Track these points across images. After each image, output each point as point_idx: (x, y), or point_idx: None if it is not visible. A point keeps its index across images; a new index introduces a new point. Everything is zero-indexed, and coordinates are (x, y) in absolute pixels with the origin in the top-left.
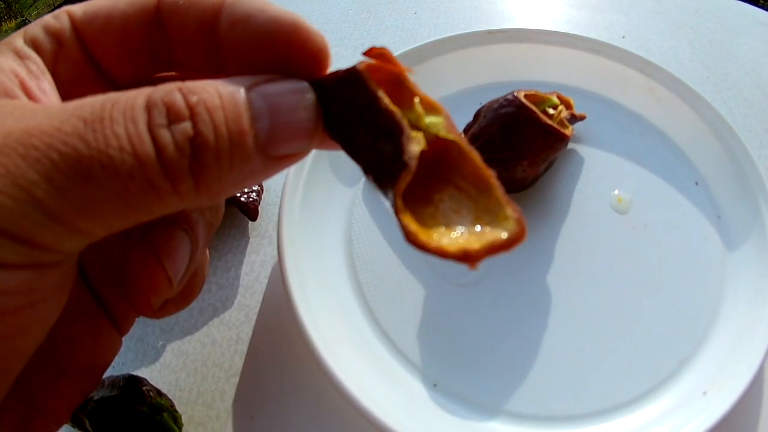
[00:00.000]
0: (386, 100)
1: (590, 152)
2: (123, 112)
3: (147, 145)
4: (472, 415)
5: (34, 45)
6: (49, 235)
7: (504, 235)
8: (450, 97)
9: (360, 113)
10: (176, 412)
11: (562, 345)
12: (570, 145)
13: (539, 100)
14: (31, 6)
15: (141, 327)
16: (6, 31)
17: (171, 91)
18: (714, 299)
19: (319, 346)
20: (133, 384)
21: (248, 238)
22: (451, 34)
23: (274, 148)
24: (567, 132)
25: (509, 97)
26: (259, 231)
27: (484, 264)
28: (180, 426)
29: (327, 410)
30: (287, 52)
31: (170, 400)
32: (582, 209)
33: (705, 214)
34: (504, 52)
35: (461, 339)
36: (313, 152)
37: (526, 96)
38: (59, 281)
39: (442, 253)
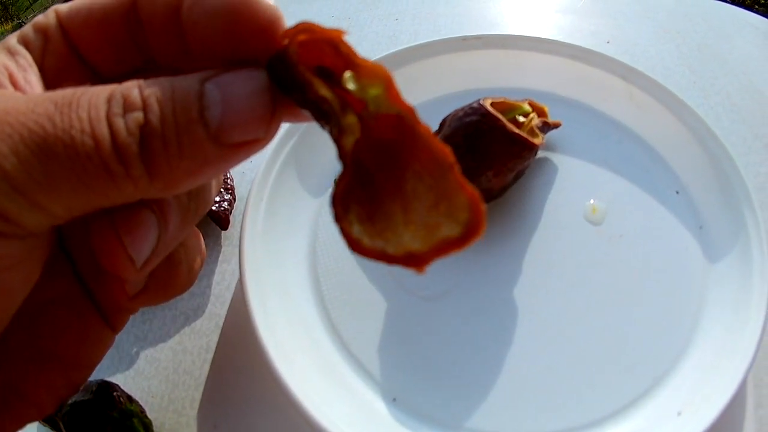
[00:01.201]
0: (318, 87)
1: (565, 160)
2: (89, 100)
3: (104, 130)
4: (431, 430)
5: (24, 41)
6: (11, 206)
7: (455, 230)
8: (425, 105)
9: (300, 97)
10: (146, 418)
11: (529, 361)
12: (543, 154)
13: (509, 108)
14: (27, 8)
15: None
16: (2, 33)
17: (130, 87)
18: (693, 314)
19: (275, 359)
20: (105, 389)
21: (221, 246)
22: (426, 41)
23: (228, 136)
24: (536, 141)
25: (474, 105)
26: (231, 240)
27: (450, 276)
28: None
29: (286, 422)
30: (240, 27)
31: (141, 406)
32: (554, 220)
33: (686, 225)
34: (480, 59)
35: (424, 353)
36: (280, 161)
37: (494, 104)
38: (22, 255)
39: (386, 259)
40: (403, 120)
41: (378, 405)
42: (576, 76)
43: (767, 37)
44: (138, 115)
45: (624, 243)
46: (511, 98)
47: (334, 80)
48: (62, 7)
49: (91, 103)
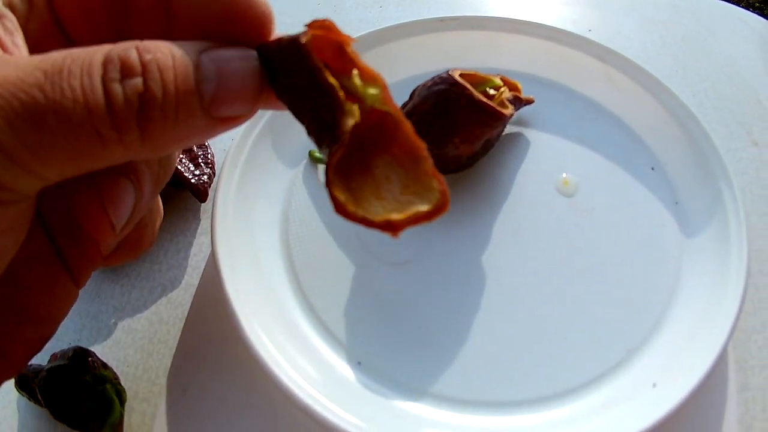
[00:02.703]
0: (327, 75)
1: (539, 136)
2: (81, 66)
3: (99, 97)
4: (396, 395)
5: (11, 5)
6: (7, 175)
7: (426, 207)
8: (402, 82)
9: (302, 82)
10: (119, 385)
11: (497, 329)
12: (517, 129)
13: (480, 81)
14: None
15: (96, 305)
16: None
17: (128, 48)
18: (669, 287)
19: (243, 322)
20: (81, 355)
21: (199, 220)
22: (403, 22)
23: (217, 109)
24: (505, 111)
25: (443, 75)
26: (209, 214)
27: (419, 244)
28: (123, 400)
29: (254, 386)
30: (232, 17)
31: (115, 372)
32: (524, 191)
33: (661, 200)
34: (457, 40)
35: (390, 319)
36: (256, 132)
37: (463, 75)
38: (15, 218)
39: (367, 223)
40: (392, 116)
41: (343, 368)
42: (553, 57)
43: (754, 30)
44: (137, 82)
45: (596, 216)
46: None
47: (335, 74)
48: None
49: (84, 71)
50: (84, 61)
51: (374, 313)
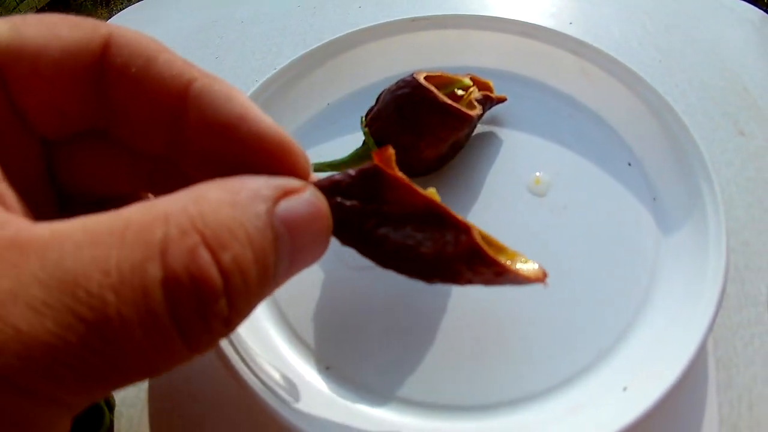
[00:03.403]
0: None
1: (511, 134)
2: (135, 303)
3: (175, 340)
4: (365, 400)
5: None
6: (41, 409)
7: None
8: (374, 86)
9: (379, 207)
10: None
11: (464, 332)
12: (488, 128)
13: (447, 82)
14: (15, 8)
15: None
16: None
17: (195, 249)
18: (644, 287)
19: None
20: None
21: None
22: (375, 23)
23: (284, 280)
24: (471, 112)
25: (407, 78)
26: None
27: None
28: (112, 406)
29: (223, 387)
30: (265, 163)
31: None
32: (494, 192)
33: (638, 197)
34: (430, 39)
35: (358, 322)
36: None
37: (429, 77)
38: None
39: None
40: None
41: (311, 373)
42: (526, 53)
43: (739, 17)
44: (221, 310)
45: (568, 214)
46: (459, 74)
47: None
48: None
49: (139, 302)
50: (137, 284)
51: (341, 317)
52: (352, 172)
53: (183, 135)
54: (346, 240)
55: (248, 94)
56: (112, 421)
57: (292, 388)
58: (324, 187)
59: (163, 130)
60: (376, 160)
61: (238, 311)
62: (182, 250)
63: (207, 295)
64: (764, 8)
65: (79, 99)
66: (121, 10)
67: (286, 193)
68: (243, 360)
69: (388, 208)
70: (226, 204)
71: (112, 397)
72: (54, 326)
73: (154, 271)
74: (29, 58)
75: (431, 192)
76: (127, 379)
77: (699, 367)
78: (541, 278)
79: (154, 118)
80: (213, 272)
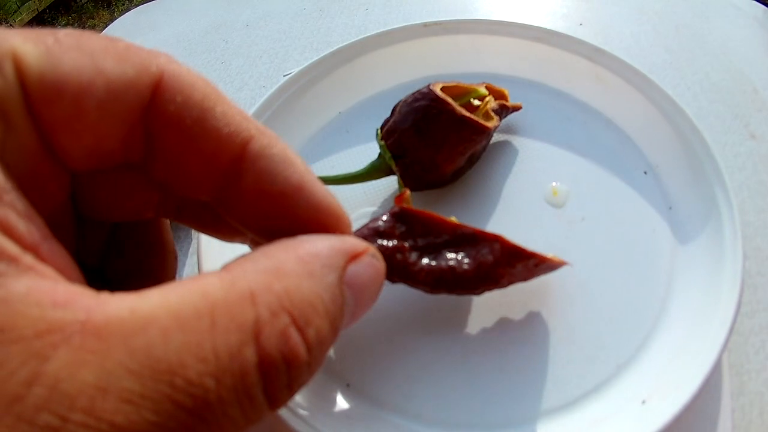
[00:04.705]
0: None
1: (526, 143)
2: (234, 387)
3: (265, 410)
4: (386, 417)
5: None
6: None
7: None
8: (386, 94)
9: (415, 242)
10: None
11: (486, 348)
12: (504, 137)
13: (463, 92)
14: (15, 12)
15: None
16: None
17: (287, 331)
18: (660, 298)
19: None
20: None
21: (191, 239)
22: (387, 29)
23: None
24: (488, 124)
25: (423, 90)
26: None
27: None
28: None
29: None
30: (315, 227)
31: None
32: (512, 203)
33: (654, 206)
34: (442, 45)
35: (378, 339)
36: None
37: (445, 88)
38: None
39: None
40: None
41: (331, 391)
42: (540, 59)
43: (748, 16)
44: (304, 379)
45: (587, 225)
46: (473, 82)
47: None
48: (29, 65)
49: (240, 393)
50: (236, 378)
51: (363, 334)
52: (384, 217)
53: (233, 191)
54: (396, 280)
55: (259, 103)
56: None
57: (311, 405)
58: (368, 236)
59: (212, 184)
60: (398, 204)
61: (313, 372)
62: (275, 332)
63: (296, 370)
64: (765, 4)
65: (121, 140)
66: (122, 11)
67: (352, 258)
68: None
69: (423, 241)
70: (304, 277)
71: None
72: (154, 417)
73: (250, 355)
74: (70, 98)
75: (453, 219)
76: None
77: (714, 376)
78: (564, 262)
79: (204, 172)
80: (302, 350)
